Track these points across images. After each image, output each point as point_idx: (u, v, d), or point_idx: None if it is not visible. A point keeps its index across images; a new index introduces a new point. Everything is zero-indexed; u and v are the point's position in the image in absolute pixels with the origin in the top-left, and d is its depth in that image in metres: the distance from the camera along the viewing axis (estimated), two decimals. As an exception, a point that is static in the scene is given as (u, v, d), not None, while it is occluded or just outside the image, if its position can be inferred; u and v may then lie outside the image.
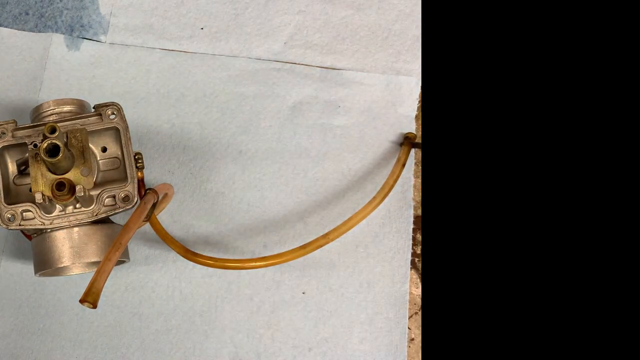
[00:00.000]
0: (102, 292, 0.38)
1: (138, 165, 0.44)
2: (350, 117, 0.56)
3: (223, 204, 0.53)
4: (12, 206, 0.43)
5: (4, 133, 0.44)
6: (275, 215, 0.54)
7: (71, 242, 0.43)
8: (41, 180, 0.42)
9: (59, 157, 0.39)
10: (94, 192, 0.43)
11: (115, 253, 0.39)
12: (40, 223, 0.43)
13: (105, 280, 0.38)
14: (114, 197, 0.43)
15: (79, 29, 0.56)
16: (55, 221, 0.43)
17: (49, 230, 0.44)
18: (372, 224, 0.54)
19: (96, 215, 0.43)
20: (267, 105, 0.56)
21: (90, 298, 0.36)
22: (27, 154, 0.43)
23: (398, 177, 0.52)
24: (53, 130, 0.40)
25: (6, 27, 0.56)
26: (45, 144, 0.40)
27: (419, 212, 0.54)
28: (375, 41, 0.58)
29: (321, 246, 0.48)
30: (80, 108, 0.47)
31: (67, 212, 0.43)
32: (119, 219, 0.47)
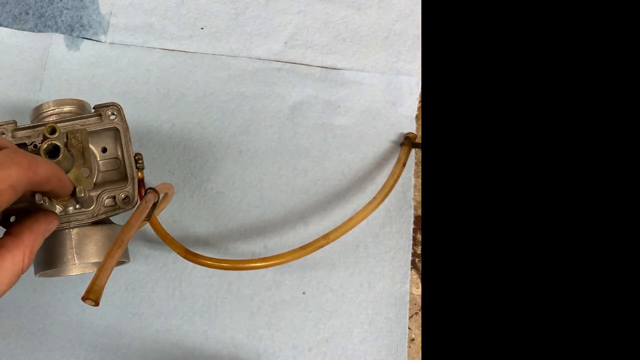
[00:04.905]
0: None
1: (138, 165, 0.44)
2: (350, 117, 0.56)
3: (223, 204, 0.53)
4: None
5: (4, 133, 0.44)
6: (275, 215, 0.54)
7: (71, 242, 0.43)
8: (41, 181, 0.42)
9: (59, 157, 0.39)
10: (94, 193, 0.43)
11: (117, 250, 0.39)
12: (40, 223, 0.43)
13: (108, 277, 0.38)
14: (114, 197, 0.43)
15: (79, 28, 0.56)
16: (55, 221, 0.43)
17: (49, 231, 0.44)
18: (372, 224, 0.54)
19: (96, 215, 0.43)
20: (267, 105, 0.56)
21: (93, 295, 0.36)
22: (27, 155, 0.43)
23: (398, 177, 0.52)
24: (53, 131, 0.40)
25: (6, 27, 0.56)
26: (45, 145, 0.39)
27: (419, 212, 0.54)
28: (376, 41, 0.58)
29: (321, 246, 0.48)
30: (80, 108, 0.46)
31: (67, 212, 0.43)
32: (119, 219, 0.47)
